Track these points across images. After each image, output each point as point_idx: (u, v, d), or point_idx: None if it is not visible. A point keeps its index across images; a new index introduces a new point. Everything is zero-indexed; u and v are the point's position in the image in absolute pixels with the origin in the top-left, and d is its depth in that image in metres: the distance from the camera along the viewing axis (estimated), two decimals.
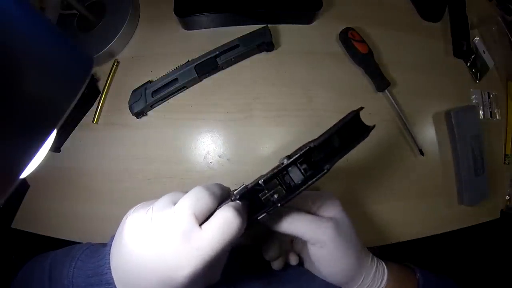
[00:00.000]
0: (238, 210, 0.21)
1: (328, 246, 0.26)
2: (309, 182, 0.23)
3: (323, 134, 0.23)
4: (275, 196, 0.23)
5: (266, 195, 0.23)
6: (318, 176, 0.23)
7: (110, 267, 0.23)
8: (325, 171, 0.23)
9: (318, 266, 0.28)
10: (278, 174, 0.23)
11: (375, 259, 0.30)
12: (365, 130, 0.24)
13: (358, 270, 0.28)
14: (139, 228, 0.21)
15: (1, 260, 0.49)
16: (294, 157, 0.22)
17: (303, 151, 0.22)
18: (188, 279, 0.20)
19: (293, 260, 0.31)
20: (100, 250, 0.25)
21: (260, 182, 0.22)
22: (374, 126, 0.24)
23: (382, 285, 0.29)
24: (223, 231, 0.20)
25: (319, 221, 0.27)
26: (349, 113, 0.24)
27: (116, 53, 0.48)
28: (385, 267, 0.30)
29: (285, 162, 0.22)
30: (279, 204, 0.23)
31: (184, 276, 0.20)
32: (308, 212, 0.29)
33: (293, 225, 0.26)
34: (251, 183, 0.23)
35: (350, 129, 0.24)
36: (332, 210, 0.29)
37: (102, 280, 0.23)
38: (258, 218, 0.23)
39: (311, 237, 0.27)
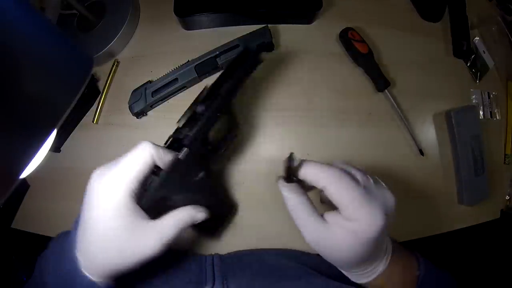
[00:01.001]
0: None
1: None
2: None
3: (206, 90, 0.30)
4: (188, 130, 0.29)
5: (186, 133, 0.29)
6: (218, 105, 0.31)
7: (75, 233, 0.27)
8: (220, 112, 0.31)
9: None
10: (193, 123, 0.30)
11: (386, 255, 0.30)
12: (256, 60, 0.32)
13: (360, 265, 0.29)
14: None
15: (1, 260, 0.49)
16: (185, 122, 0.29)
17: (189, 115, 0.29)
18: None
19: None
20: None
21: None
22: (259, 51, 0.31)
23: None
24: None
25: (335, 225, 0.26)
26: (236, 56, 0.32)
27: (116, 53, 0.48)
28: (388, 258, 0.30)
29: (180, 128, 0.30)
30: (191, 134, 0.29)
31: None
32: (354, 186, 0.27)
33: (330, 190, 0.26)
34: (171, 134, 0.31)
35: (238, 65, 0.31)
36: (366, 216, 0.26)
37: (65, 248, 0.27)
38: (179, 157, 0.28)
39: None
